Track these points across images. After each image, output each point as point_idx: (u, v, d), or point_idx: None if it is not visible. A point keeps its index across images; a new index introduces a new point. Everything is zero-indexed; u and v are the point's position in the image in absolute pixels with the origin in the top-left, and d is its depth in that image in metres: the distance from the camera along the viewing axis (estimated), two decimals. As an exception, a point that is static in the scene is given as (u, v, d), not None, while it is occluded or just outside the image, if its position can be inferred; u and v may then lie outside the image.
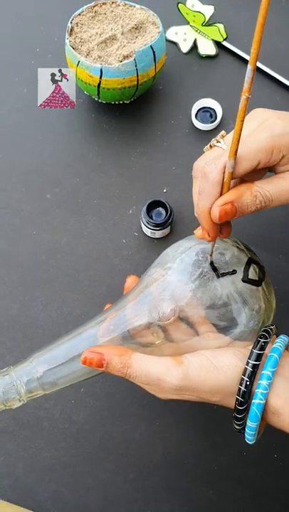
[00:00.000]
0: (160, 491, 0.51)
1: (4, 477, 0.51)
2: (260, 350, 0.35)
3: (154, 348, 0.39)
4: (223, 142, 0.39)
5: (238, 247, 0.41)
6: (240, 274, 0.39)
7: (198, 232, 0.42)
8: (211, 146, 0.39)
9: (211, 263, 0.39)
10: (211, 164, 0.35)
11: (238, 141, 0.32)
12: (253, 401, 0.35)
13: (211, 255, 0.39)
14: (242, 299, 0.39)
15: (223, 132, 0.39)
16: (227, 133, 0.41)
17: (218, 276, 0.39)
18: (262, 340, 0.36)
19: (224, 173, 0.35)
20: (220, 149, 0.38)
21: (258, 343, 0.36)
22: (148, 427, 0.52)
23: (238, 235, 0.57)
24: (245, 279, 0.39)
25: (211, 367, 0.36)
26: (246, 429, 0.36)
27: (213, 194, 0.36)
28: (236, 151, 0.33)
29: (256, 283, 0.39)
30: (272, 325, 0.39)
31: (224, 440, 0.52)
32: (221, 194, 0.36)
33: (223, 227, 0.39)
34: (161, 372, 0.36)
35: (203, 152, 0.41)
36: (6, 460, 0.52)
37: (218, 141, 0.39)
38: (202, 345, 0.38)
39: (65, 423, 0.52)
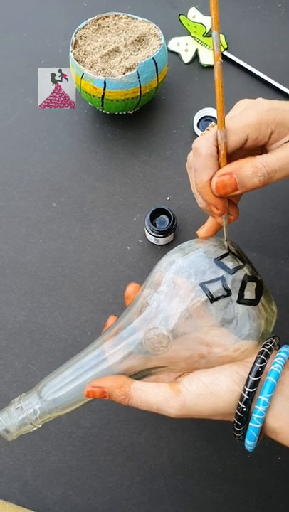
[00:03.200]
0: (166, 493, 0.51)
1: (13, 480, 0.52)
2: (256, 376, 0.35)
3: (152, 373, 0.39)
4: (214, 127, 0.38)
5: (234, 264, 0.38)
6: (235, 295, 0.36)
7: (201, 231, 0.41)
8: (203, 133, 0.39)
9: (203, 285, 0.36)
10: (200, 139, 0.36)
11: (223, 109, 0.34)
12: (250, 424, 0.35)
13: (227, 240, 0.37)
14: (238, 319, 0.36)
15: (212, 123, 0.39)
16: None
17: (211, 301, 0.36)
18: (258, 365, 0.35)
19: (216, 146, 0.35)
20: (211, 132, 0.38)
21: (254, 367, 0.35)
22: (153, 430, 0.53)
23: (241, 241, 0.58)
24: (240, 300, 0.36)
25: (208, 394, 0.36)
26: (246, 441, 0.37)
27: (208, 166, 0.35)
28: (224, 119, 0.34)
29: (253, 302, 0.37)
30: (273, 337, 0.38)
31: (229, 443, 0.52)
32: (219, 167, 0.36)
33: (230, 208, 0.38)
34: (160, 403, 0.36)
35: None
36: (14, 464, 0.53)
37: (208, 130, 0.38)
38: (200, 366, 0.38)
39: (73, 427, 0.53)
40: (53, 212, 0.60)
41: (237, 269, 0.37)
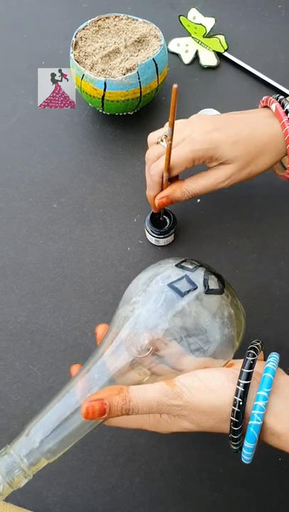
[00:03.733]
0: (166, 494, 0.51)
1: (14, 481, 0.52)
2: (250, 368, 0.35)
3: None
4: (165, 142, 0.49)
5: (193, 265, 0.42)
6: (201, 288, 0.40)
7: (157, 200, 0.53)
8: (157, 142, 0.51)
9: (171, 285, 0.40)
10: (154, 169, 0.50)
11: (168, 166, 0.48)
12: (249, 422, 0.35)
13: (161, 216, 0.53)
14: (210, 310, 0.39)
15: (167, 133, 0.45)
16: None
17: (181, 296, 0.39)
18: (250, 358, 0.36)
19: (162, 177, 0.50)
20: (162, 148, 0.50)
21: (247, 361, 0.36)
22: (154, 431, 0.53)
23: (241, 241, 0.58)
24: (207, 291, 0.40)
25: (203, 388, 0.36)
26: (243, 450, 0.36)
27: (155, 188, 0.52)
28: (168, 168, 0.48)
29: (218, 291, 0.40)
30: (258, 341, 0.39)
31: (229, 444, 0.52)
32: (162, 188, 0.51)
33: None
34: (159, 398, 0.36)
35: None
36: (15, 464, 0.53)
37: (162, 141, 0.50)
38: (190, 369, 0.38)
39: (73, 428, 0.53)
40: (53, 213, 0.60)
41: (196, 267, 0.41)
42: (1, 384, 0.54)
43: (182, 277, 0.40)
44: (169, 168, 0.48)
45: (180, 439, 0.53)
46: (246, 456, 0.37)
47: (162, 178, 0.50)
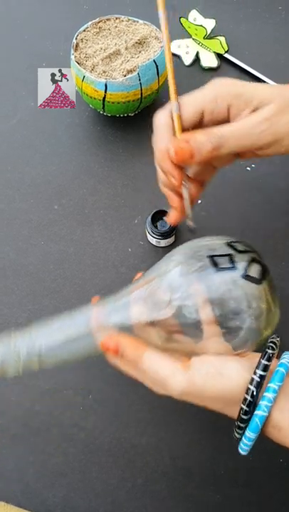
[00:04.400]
0: (168, 495, 0.51)
1: (14, 482, 0.52)
2: (268, 361, 0.35)
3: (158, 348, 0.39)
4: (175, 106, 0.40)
5: (243, 248, 0.41)
6: (240, 271, 0.38)
7: (170, 216, 0.42)
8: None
9: (211, 257, 0.39)
10: (158, 112, 0.39)
11: (174, 79, 0.37)
12: (256, 412, 0.35)
13: (190, 220, 0.40)
14: (240, 295, 0.38)
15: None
16: None
17: (216, 270, 0.38)
18: (270, 351, 0.36)
19: (172, 118, 0.38)
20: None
21: (266, 353, 0.36)
22: (155, 432, 0.53)
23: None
24: (244, 275, 0.38)
25: (217, 374, 0.36)
26: (243, 439, 0.36)
27: (165, 136, 0.38)
28: (176, 90, 0.37)
29: (255, 280, 0.38)
30: (278, 336, 0.39)
31: (230, 445, 0.52)
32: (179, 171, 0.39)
33: (193, 187, 0.41)
34: (168, 375, 0.36)
35: None
36: (16, 466, 0.53)
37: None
38: (207, 348, 0.38)
39: (74, 429, 0.53)
40: (54, 214, 0.60)
41: (245, 252, 0.39)
42: (2, 385, 0.54)
43: (226, 255, 0.39)
44: (176, 90, 0.38)
45: (181, 440, 0.53)
46: (245, 446, 0.37)
47: (171, 120, 0.38)
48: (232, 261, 0.38)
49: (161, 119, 0.38)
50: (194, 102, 0.37)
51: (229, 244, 0.40)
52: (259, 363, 0.35)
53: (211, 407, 0.38)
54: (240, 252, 0.39)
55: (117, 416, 0.53)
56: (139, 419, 0.53)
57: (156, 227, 0.56)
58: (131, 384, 0.54)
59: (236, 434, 0.37)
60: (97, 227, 0.59)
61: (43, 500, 0.52)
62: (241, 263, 0.38)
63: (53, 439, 0.53)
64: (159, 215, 0.56)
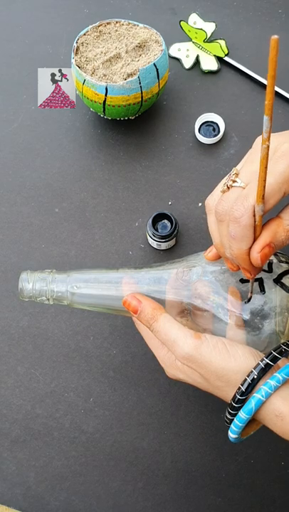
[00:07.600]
0: (169, 499, 0.51)
1: (16, 486, 0.52)
2: (279, 354, 0.36)
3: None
4: (240, 180, 0.37)
5: (284, 258, 0.43)
6: (273, 275, 0.41)
7: (208, 254, 0.42)
8: (228, 187, 0.38)
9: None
10: (240, 208, 0.35)
11: (264, 186, 0.33)
12: (254, 394, 0.36)
13: (251, 293, 0.41)
14: (266, 297, 0.41)
15: (235, 170, 0.38)
16: (236, 162, 0.41)
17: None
18: (283, 346, 0.37)
19: (254, 216, 0.35)
20: (239, 188, 0.37)
21: (280, 347, 0.37)
22: (156, 435, 0.53)
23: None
24: (275, 279, 0.41)
25: (224, 350, 0.38)
26: (234, 420, 0.37)
27: (247, 237, 0.36)
28: (263, 195, 0.34)
29: (286, 287, 0.41)
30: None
31: (232, 448, 0.52)
32: (254, 236, 0.37)
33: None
34: (178, 337, 0.39)
35: (219, 188, 0.40)
36: (17, 469, 0.53)
37: (234, 181, 0.38)
38: (224, 334, 0.41)
39: (75, 432, 0.53)
40: (55, 217, 0.60)
41: (284, 262, 0.42)
42: (3, 388, 0.54)
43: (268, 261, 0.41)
44: (263, 195, 0.34)
45: (182, 443, 0.53)
46: (236, 427, 0.37)
47: (254, 217, 0.35)
48: (270, 267, 0.42)
49: (246, 218, 0.35)
50: (276, 191, 0.36)
51: (276, 253, 0.43)
52: (269, 353, 0.37)
53: (212, 385, 0.38)
54: (279, 260, 0.42)
55: (118, 419, 0.53)
56: (140, 423, 0.53)
57: (156, 230, 0.56)
58: (132, 387, 0.54)
59: (227, 416, 0.38)
60: (98, 230, 0.59)
61: (45, 503, 0.52)
62: (277, 271, 0.41)
63: (54, 442, 0.53)
64: (159, 218, 0.57)
